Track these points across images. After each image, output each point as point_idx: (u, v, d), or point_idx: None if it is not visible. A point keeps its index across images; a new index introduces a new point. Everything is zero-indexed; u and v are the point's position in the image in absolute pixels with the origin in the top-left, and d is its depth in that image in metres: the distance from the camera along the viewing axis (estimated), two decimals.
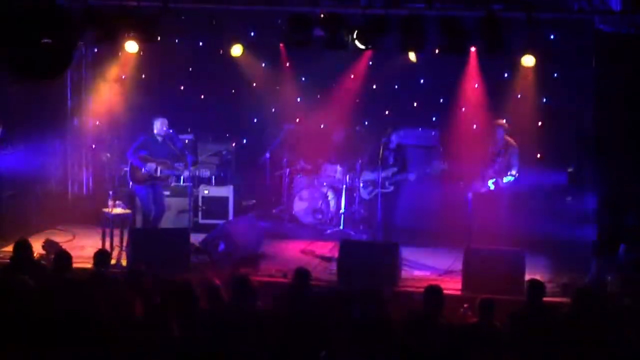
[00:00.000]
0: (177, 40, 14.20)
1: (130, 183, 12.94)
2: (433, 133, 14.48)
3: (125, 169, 13.11)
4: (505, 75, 13.92)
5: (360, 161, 13.43)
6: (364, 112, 15.10)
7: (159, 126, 12.71)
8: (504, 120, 12.91)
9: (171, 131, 12.90)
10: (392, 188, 12.63)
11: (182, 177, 13.57)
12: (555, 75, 13.59)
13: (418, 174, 12.78)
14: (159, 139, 12.75)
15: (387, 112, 14.85)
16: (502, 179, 12.33)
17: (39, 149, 14.19)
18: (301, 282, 9.22)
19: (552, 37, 12.48)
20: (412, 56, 13.27)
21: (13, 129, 13.66)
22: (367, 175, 13.11)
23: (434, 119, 14.75)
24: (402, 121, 14.19)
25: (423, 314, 8.28)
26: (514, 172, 12.33)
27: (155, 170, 12.65)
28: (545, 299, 9.24)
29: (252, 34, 13.58)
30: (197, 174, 13.14)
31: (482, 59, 13.19)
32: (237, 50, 13.47)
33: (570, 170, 13.30)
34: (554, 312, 8.88)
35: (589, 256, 11.85)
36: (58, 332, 7.50)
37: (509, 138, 12.67)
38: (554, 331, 7.58)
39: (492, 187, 12.41)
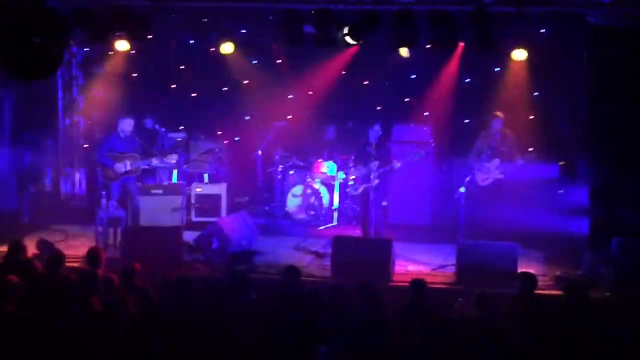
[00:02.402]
0: (167, 39, 14.17)
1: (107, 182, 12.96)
2: (425, 129, 14.48)
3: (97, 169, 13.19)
4: (496, 69, 13.92)
5: (352, 157, 13.44)
6: (355, 108, 15.10)
7: (124, 126, 12.75)
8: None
9: (162, 129, 12.91)
10: (377, 182, 12.62)
11: (174, 175, 13.56)
12: (547, 69, 13.59)
13: (402, 162, 12.72)
14: (122, 135, 12.77)
15: (378, 108, 14.82)
16: (511, 167, 12.44)
17: (31, 149, 14.20)
18: (292, 279, 9.27)
19: (542, 30, 12.48)
20: (403, 51, 13.28)
21: (4, 129, 13.67)
22: (353, 172, 13.13)
23: (425, 114, 14.73)
24: (394, 117, 14.25)
25: (408, 307, 8.38)
26: (519, 161, 12.45)
27: (125, 165, 12.68)
28: (538, 291, 9.31)
29: (243, 31, 13.59)
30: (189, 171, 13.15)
31: (472, 53, 13.18)
32: (227, 47, 13.49)
33: (562, 163, 13.32)
34: (546, 304, 8.93)
35: (582, 249, 11.91)
36: (51, 332, 7.50)
37: (506, 129, 12.72)
38: (546, 323, 7.59)
39: (500, 176, 12.48)
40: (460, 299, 9.08)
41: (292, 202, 14.65)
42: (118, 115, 13.07)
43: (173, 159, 13.10)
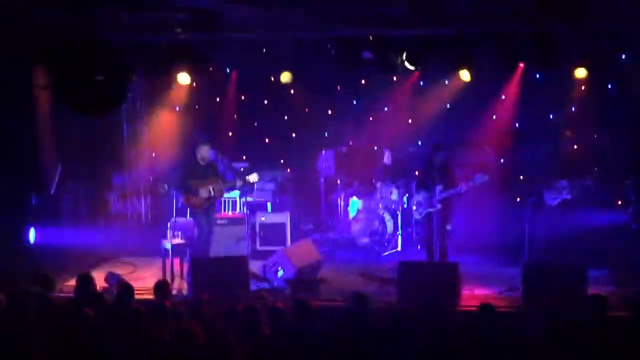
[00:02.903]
0: (227, 70, 14.34)
1: (189, 210, 13.07)
2: (488, 150, 14.39)
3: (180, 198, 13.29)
4: (559, 88, 13.79)
5: (415, 182, 13.40)
6: (417, 133, 15.08)
7: (203, 153, 12.76)
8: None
9: (225, 160, 13.01)
10: (439, 206, 12.56)
11: (238, 206, 13.62)
12: (610, 86, 13.43)
13: (467, 186, 12.65)
14: (202, 162, 12.80)
15: (438, 131, 14.78)
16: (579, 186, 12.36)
17: (98, 182, 14.44)
18: (359, 305, 9.23)
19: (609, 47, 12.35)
20: (463, 75, 13.22)
21: (72, 164, 13.94)
22: (416, 196, 13.09)
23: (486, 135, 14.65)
24: (456, 140, 14.17)
25: (476, 333, 8.29)
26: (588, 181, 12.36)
27: (209, 190, 12.72)
28: (610, 313, 9.13)
29: (302, 59, 13.70)
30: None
31: (533, 73, 13.09)
32: (286, 77, 13.64)
33: (628, 182, 13.10)
34: (618, 326, 8.75)
35: None
36: None
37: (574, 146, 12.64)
38: (619, 346, 7.43)
39: (568, 196, 12.36)
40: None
41: (356, 227, 14.65)
42: (194, 143, 13.10)
43: (254, 177, 13.08)
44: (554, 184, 12.51)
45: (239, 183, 13.00)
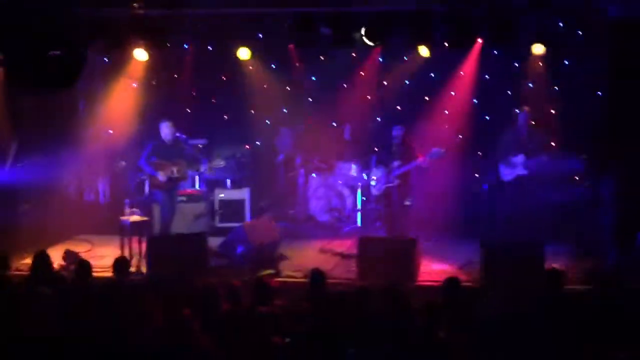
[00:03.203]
0: (185, 46, 14.20)
1: (148, 189, 12.99)
2: (447, 127, 14.44)
3: (142, 177, 13.17)
4: (516, 65, 13.85)
5: (374, 158, 13.41)
6: (376, 109, 15.07)
7: (165, 130, 12.73)
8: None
9: (183, 136, 12.93)
10: (397, 182, 12.60)
11: (196, 182, 13.56)
12: (567, 62, 13.50)
13: (424, 161, 12.69)
14: (168, 142, 12.75)
15: (398, 108, 14.80)
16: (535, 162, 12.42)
17: (54, 160, 14.25)
18: (317, 282, 9.27)
19: (561, 24, 12.41)
20: (423, 51, 13.21)
21: (27, 141, 13.74)
22: (375, 172, 13.12)
23: (445, 112, 14.67)
24: (415, 116, 14.18)
25: (442, 307, 8.31)
26: (544, 157, 12.41)
27: (172, 172, 12.65)
28: (567, 287, 9.25)
29: (260, 35, 13.63)
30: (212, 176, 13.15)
31: (490, 50, 13.13)
32: (244, 53, 13.55)
33: (585, 157, 13.21)
34: (575, 300, 8.86)
35: (609, 243, 11.84)
36: (80, 342, 7.52)
37: (532, 124, 12.68)
38: (575, 319, 7.52)
39: (524, 171, 12.42)
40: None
41: (316, 204, 14.65)
42: (154, 121, 13.05)
43: (220, 163, 13.06)
44: (510, 160, 12.56)
45: (203, 168, 12.93)
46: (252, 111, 15.23)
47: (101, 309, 8.41)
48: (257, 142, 15.77)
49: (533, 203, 12.64)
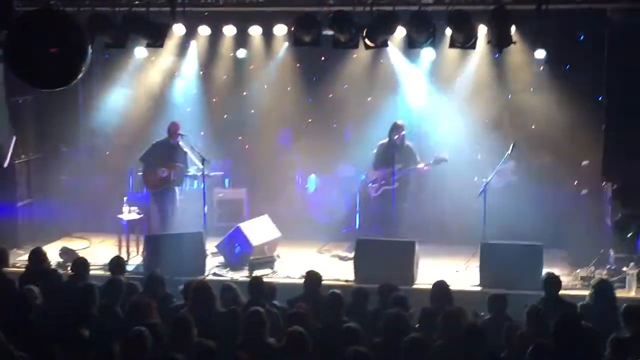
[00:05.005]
0: (185, 44, 14.18)
1: (145, 188, 12.96)
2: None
3: (139, 174, 13.15)
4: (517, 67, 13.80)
5: (374, 160, 13.38)
6: (375, 111, 14.99)
7: (171, 130, 12.74)
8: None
9: (184, 134, 12.91)
10: (396, 184, 12.60)
11: (196, 181, 13.52)
12: (568, 67, 13.45)
13: (428, 166, 12.72)
14: (171, 142, 12.74)
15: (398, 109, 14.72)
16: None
17: (53, 157, 14.24)
18: (312, 284, 9.29)
19: (563, 28, 12.40)
20: (427, 52, 13.17)
21: (27, 137, 13.73)
22: (374, 174, 13.11)
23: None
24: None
25: (431, 310, 8.37)
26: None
27: (168, 174, 12.64)
28: (563, 292, 9.24)
29: (261, 35, 13.61)
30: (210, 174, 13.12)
31: (493, 52, 13.09)
32: (242, 53, 13.59)
33: (584, 163, 13.16)
34: (571, 305, 8.85)
35: (607, 248, 11.82)
36: (75, 340, 7.52)
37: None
38: (571, 324, 7.49)
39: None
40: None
41: (314, 205, 14.61)
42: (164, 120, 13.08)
43: (218, 173, 13.11)
44: (502, 166, 12.54)
45: (200, 175, 12.83)
46: (252, 111, 15.17)
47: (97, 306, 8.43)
48: (257, 142, 15.69)
49: (534, 207, 12.67)
